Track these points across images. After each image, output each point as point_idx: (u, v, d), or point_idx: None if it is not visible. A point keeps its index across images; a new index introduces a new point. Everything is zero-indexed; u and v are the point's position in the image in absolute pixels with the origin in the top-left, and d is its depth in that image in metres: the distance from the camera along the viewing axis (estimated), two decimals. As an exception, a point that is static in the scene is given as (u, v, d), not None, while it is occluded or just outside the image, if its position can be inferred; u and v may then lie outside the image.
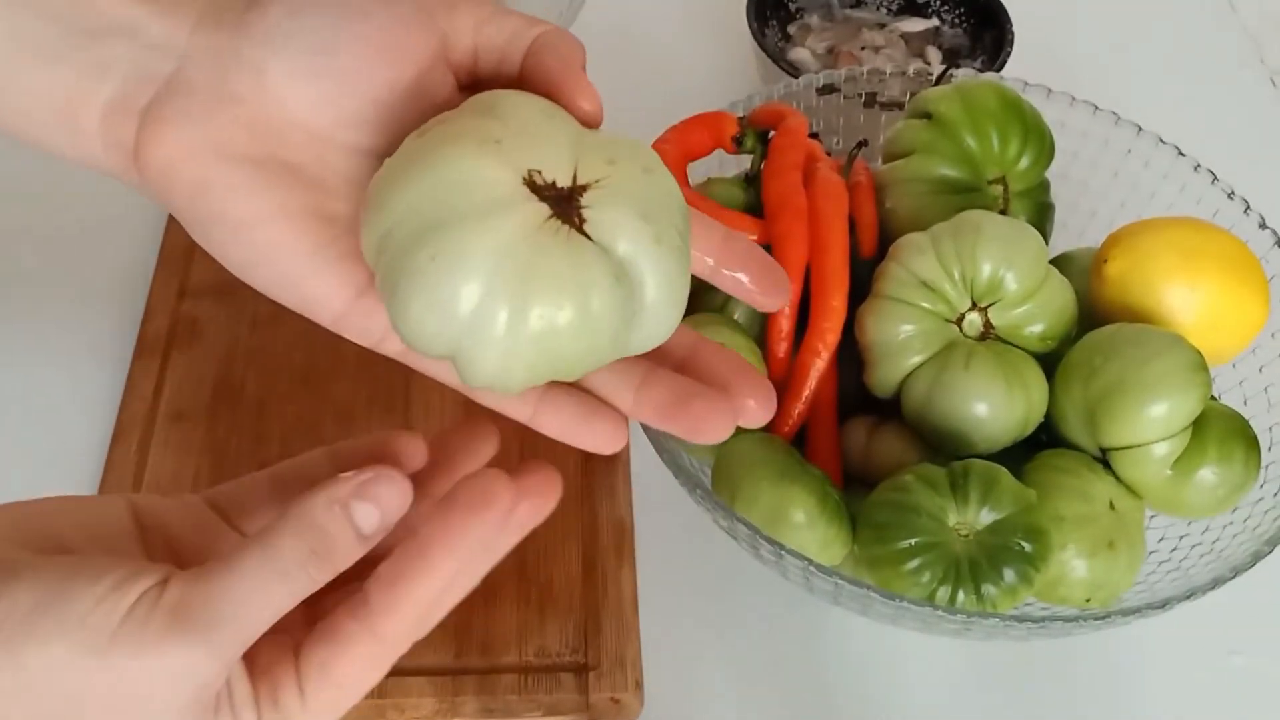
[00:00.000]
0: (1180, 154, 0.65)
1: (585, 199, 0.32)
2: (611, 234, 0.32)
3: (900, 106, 0.69)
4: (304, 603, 0.33)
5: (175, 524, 0.38)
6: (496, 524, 0.34)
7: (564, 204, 0.32)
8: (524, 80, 0.36)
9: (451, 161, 0.32)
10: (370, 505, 0.33)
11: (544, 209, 0.32)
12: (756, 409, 0.36)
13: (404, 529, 0.34)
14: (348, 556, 0.33)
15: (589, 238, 0.32)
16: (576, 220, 0.32)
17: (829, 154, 0.64)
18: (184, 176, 0.34)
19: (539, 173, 0.32)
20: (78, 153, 0.36)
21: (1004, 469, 0.52)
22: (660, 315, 0.34)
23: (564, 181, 0.32)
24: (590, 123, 0.35)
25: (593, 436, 0.37)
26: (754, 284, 0.38)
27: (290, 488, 0.40)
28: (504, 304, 0.31)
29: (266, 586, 0.32)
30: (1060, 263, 0.60)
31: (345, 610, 0.34)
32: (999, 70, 0.77)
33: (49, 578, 0.32)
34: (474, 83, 0.37)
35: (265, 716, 0.34)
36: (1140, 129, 0.66)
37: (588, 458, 0.64)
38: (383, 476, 0.33)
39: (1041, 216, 0.63)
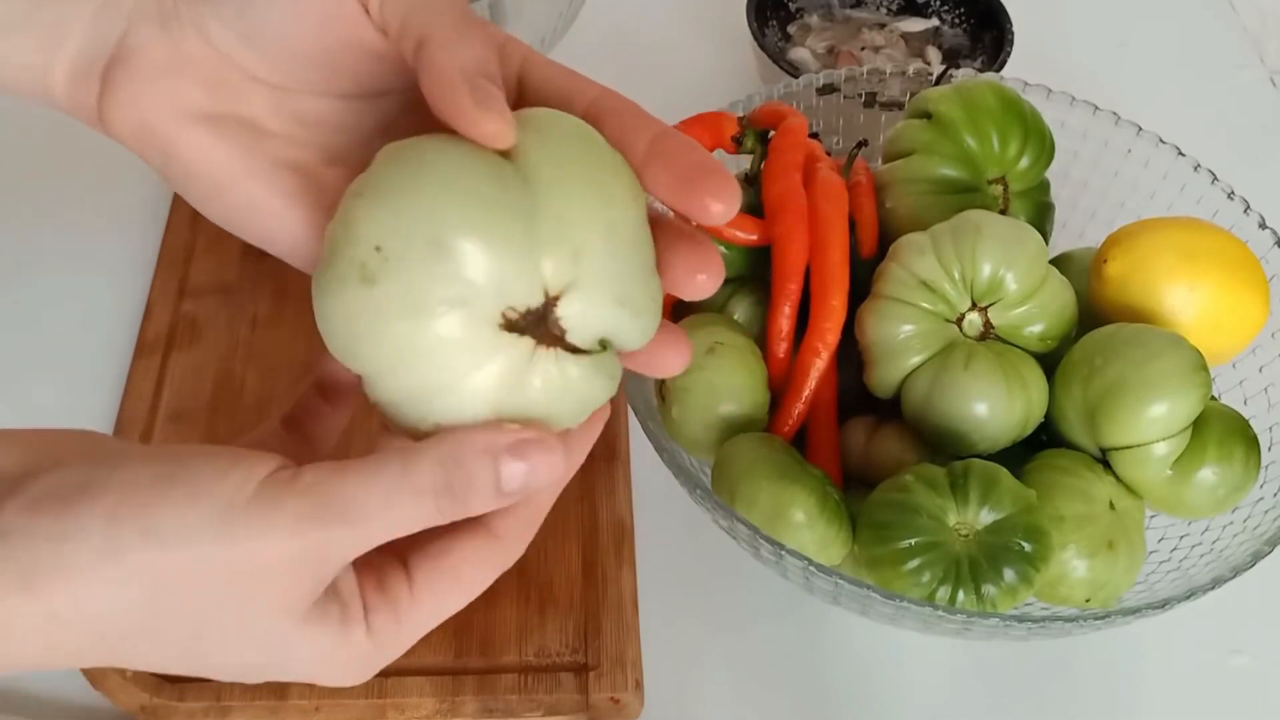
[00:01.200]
0: (1180, 154, 0.65)
1: (561, 308, 0.32)
2: (595, 333, 0.32)
3: (900, 106, 0.69)
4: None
5: None
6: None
7: (542, 326, 0.32)
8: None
9: (428, 354, 0.31)
10: (522, 464, 0.32)
11: (527, 344, 0.32)
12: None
13: None
14: (481, 505, 0.32)
15: (575, 349, 0.32)
16: (559, 334, 0.32)
17: (829, 154, 0.64)
18: (151, 141, 0.35)
19: (512, 309, 0.31)
20: (55, 108, 0.37)
21: (1004, 469, 0.52)
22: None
23: (536, 300, 0.31)
24: (498, 144, 0.32)
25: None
26: (678, 189, 0.33)
27: (302, 425, 0.40)
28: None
29: (401, 500, 0.31)
30: (1060, 263, 0.60)
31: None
32: (999, 70, 0.77)
33: (160, 456, 0.31)
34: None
35: (371, 603, 0.33)
36: (1140, 129, 0.66)
37: (588, 458, 0.64)
38: (543, 444, 0.32)
39: (1041, 216, 0.63)
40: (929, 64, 0.82)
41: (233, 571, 0.30)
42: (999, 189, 0.61)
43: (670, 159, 0.33)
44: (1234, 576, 0.51)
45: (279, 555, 0.30)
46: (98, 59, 0.35)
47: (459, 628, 0.58)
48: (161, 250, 0.72)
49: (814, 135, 0.64)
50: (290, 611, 0.32)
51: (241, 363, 0.67)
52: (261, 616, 0.32)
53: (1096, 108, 0.66)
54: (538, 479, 0.32)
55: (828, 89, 0.68)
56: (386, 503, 0.31)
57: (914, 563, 0.50)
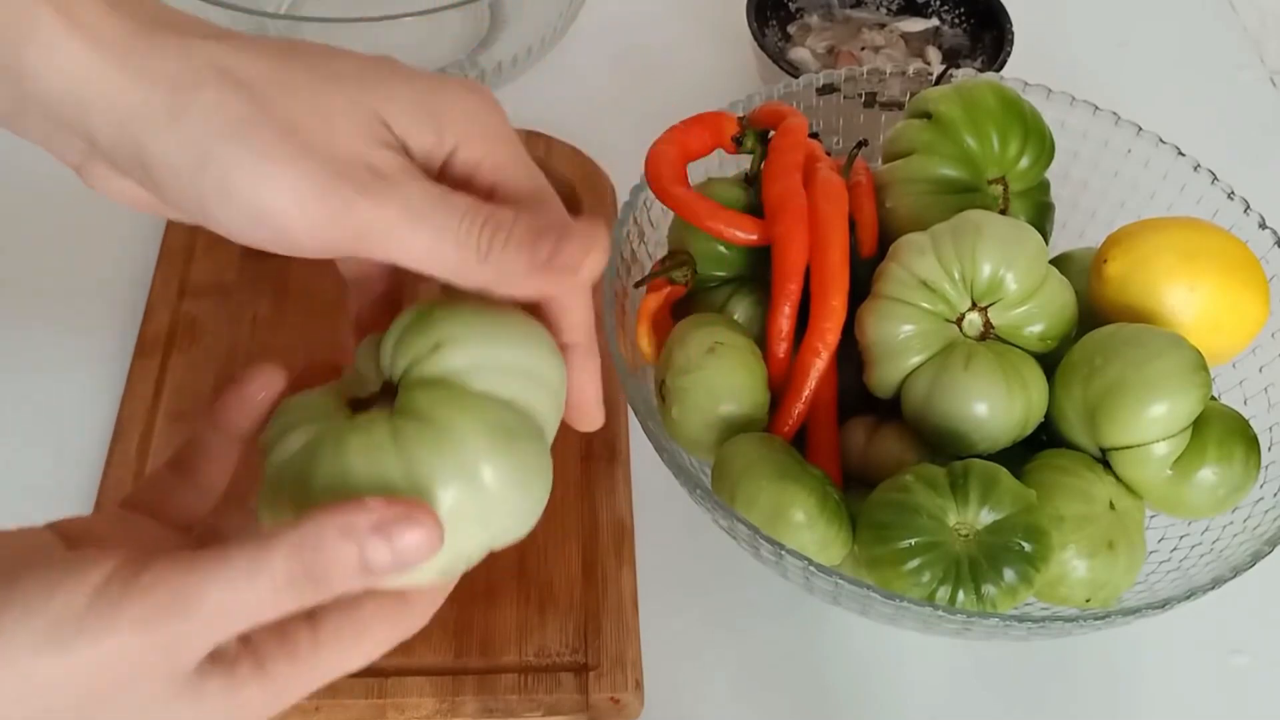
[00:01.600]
0: (1180, 154, 0.65)
1: None
2: None
3: (900, 106, 0.69)
4: None
5: (108, 534, 0.37)
6: None
7: None
8: None
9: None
10: (386, 544, 0.31)
11: None
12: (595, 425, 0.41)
13: None
14: (345, 586, 0.32)
15: None
16: None
17: (829, 154, 0.64)
18: (134, 206, 0.38)
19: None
20: None
21: (1004, 469, 0.52)
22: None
23: None
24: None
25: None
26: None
27: (193, 467, 0.40)
28: None
29: (249, 595, 0.31)
30: (1060, 263, 0.60)
31: None
32: (999, 70, 0.78)
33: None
34: None
35: (265, 648, 0.33)
36: (1140, 129, 0.66)
37: (588, 458, 0.64)
38: (412, 519, 0.32)
39: (1041, 216, 0.63)
40: (929, 64, 0.82)
41: (82, 679, 0.31)
42: (999, 189, 0.61)
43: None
44: (1234, 576, 0.51)
45: (123, 658, 0.30)
46: (64, 150, 0.37)
47: (459, 628, 0.58)
48: (161, 250, 0.72)
49: (814, 135, 0.64)
50: (156, 698, 0.32)
51: (241, 363, 0.67)
52: (133, 708, 0.32)
53: (1096, 108, 0.66)
54: (409, 557, 0.32)
55: (828, 89, 0.68)
56: (234, 598, 0.31)
57: (914, 563, 0.50)
